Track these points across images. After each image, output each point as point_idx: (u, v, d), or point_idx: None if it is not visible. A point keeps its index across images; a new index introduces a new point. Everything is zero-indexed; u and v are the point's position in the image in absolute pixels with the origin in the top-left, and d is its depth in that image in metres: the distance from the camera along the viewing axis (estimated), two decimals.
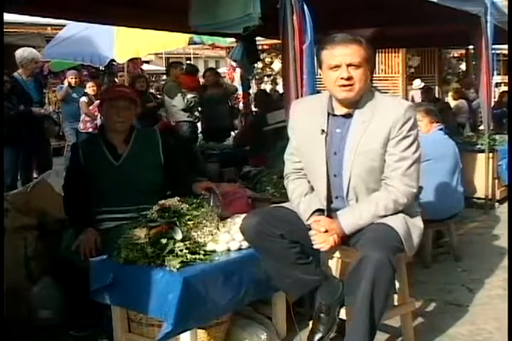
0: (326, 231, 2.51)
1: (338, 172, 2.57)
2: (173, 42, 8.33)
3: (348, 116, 2.57)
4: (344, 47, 2.46)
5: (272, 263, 2.64)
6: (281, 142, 4.68)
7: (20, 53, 5.99)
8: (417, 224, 2.65)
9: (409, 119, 2.49)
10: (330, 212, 2.65)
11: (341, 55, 2.46)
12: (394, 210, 2.52)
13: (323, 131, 2.57)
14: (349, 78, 2.46)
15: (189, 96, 7.21)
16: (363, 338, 2.35)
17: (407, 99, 10.28)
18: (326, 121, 2.59)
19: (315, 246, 2.53)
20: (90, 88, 8.59)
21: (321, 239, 2.51)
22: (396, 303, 2.91)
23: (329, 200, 2.65)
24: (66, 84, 8.53)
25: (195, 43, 9.35)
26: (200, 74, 9.15)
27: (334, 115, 2.60)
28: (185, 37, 8.15)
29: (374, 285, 2.31)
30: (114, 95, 3.24)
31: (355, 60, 2.45)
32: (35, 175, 5.83)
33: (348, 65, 2.46)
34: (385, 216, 2.51)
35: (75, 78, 8.63)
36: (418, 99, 10.67)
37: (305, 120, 2.65)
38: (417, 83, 12.12)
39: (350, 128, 2.54)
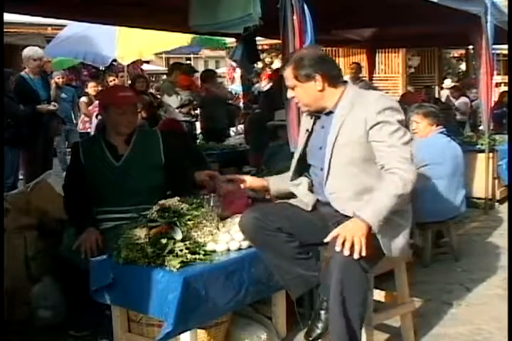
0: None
1: (323, 165, 2.63)
2: (176, 40, 8.31)
3: (330, 113, 2.67)
4: (283, 72, 2.72)
5: (272, 258, 2.66)
6: (277, 141, 4.70)
7: (24, 52, 6.06)
8: (402, 224, 2.60)
9: (384, 109, 2.51)
10: (320, 205, 2.73)
11: (284, 79, 2.74)
12: (404, 188, 2.43)
13: (307, 130, 2.77)
14: (292, 97, 2.75)
15: (183, 95, 7.21)
16: (342, 339, 2.34)
17: (438, 98, 10.29)
18: (312, 121, 2.76)
19: (344, 252, 2.32)
20: (92, 88, 8.56)
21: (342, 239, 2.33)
22: (395, 303, 2.92)
23: (320, 194, 2.72)
24: (54, 85, 8.48)
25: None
26: (198, 74, 9.13)
27: (320, 115, 2.73)
28: (187, 36, 8.13)
29: (343, 285, 2.31)
30: (122, 102, 3.19)
31: (287, 82, 2.70)
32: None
33: (288, 87, 2.72)
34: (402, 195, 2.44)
35: (62, 78, 8.62)
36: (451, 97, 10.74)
37: (302, 122, 2.87)
38: (448, 83, 12.22)
39: (332, 123, 2.63)
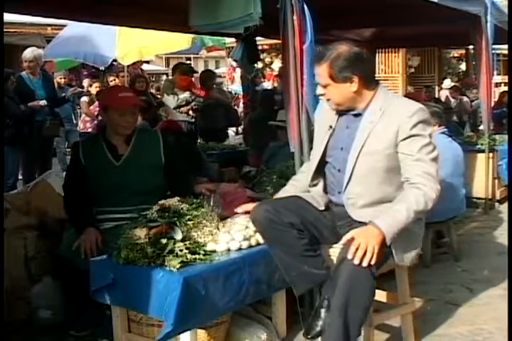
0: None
1: (342, 167, 2.62)
2: (176, 43, 8.30)
3: (359, 115, 2.62)
4: (315, 67, 2.62)
5: (280, 253, 2.65)
6: (277, 142, 4.70)
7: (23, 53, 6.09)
8: (417, 232, 2.62)
9: (419, 123, 2.48)
10: (331, 205, 2.74)
11: (316, 74, 2.64)
12: (425, 205, 2.43)
13: (330, 127, 2.69)
14: (322, 94, 2.65)
15: (181, 95, 7.20)
16: None
17: (438, 98, 10.29)
18: (336, 118, 2.69)
19: (355, 261, 2.31)
20: (96, 88, 8.54)
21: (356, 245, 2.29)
22: (396, 303, 2.92)
23: (334, 195, 2.71)
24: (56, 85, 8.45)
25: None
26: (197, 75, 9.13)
27: (345, 113, 2.67)
28: (188, 38, 8.13)
29: (349, 291, 2.30)
30: (122, 103, 3.18)
31: (320, 80, 2.60)
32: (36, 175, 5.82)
33: (319, 84, 2.63)
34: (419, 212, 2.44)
35: (64, 78, 8.61)
36: (451, 97, 10.76)
37: (322, 118, 2.79)
38: (448, 83, 12.22)
39: (359, 127, 2.59)
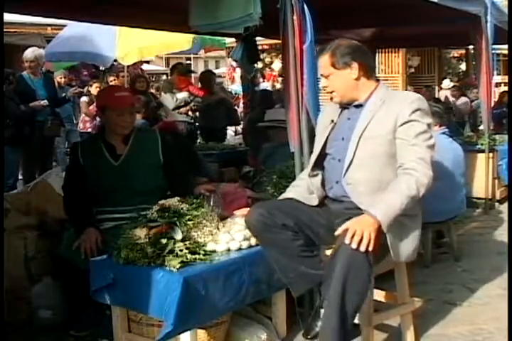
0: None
1: (342, 157, 2.64)
2: (177, 44, 8.30)
3: (360, 106, 2.69)
4: (318, 61, 2.74)
5: (276, 255, 2.65)
6: (270, 142, 4.69)
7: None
8: (413, 227, 2.62)
9: (417, 110, 2.55)
10: (328, 201, 2.75)
11: (319, 67, 2.77)
12: (417, 191, 2.47)
13: (332, 121, 2.75)
14: (325, 87, 2.72)
15: (180, 96, 7.20)
16: (334, 333, 2.32)
17: (438, 98, 10.31)
18: (338, 113, 2.76)
19: (352, 245, 2.33)
20: (96, 88, 8.54)
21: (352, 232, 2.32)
22: (396, 303, 2.92)
23: (332, 188, 2.72)
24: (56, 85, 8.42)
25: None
26: (196, 75, 9.13)
27: (347, 107, 2.73)
28: (188, 38, 8.13)
29: (347, 272, 2.30)
30: (118, 103, 3.19)
31: (323, 71, 2.71)
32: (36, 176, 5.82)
33: (322, 75, 2.74)
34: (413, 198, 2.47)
35: (64, 78, 8.60)
36: (451, 97, 10.77)
37: (324, 116, 2.86)
38: (447, 83, 12.27)
39: (360, 117, 2.65)
